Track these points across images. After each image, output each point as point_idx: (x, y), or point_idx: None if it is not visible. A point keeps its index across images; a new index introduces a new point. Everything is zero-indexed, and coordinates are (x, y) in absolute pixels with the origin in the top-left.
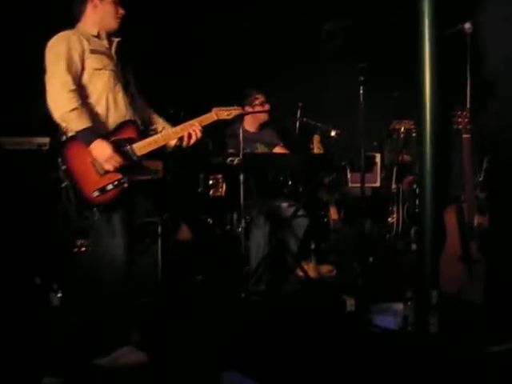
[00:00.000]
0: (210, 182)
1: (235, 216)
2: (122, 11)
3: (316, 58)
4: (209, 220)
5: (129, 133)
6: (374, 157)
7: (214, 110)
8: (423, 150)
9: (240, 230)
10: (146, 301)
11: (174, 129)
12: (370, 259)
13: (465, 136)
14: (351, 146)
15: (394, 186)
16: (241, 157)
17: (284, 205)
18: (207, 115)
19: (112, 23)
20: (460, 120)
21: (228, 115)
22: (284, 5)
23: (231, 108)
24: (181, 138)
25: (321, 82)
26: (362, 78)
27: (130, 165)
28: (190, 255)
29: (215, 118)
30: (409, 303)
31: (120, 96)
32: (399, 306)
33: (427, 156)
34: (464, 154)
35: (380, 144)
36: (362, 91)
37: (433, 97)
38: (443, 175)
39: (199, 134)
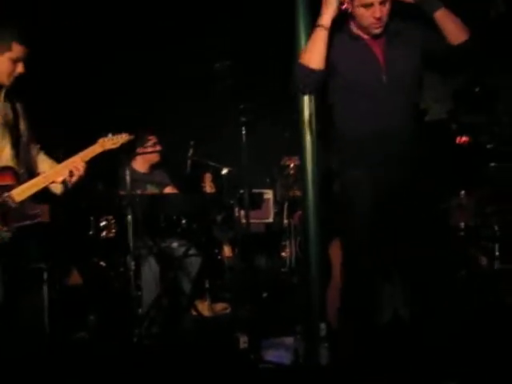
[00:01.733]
0: (102, 223)
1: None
2: (20, 70)
3: (209, 95)
4: (101, 263)
5: (6, 179)
6: (261, 194)
7: (100, 140)
8: (305, 186)
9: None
10: (30, 349)
11: (55, 168)
12: (264, 295)
13: None
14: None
15: (285, 220)
16: (130, 198)
17: (175, 244)
18: (91, 148)
19: (4, 80)
20: None
21: (115, 144)
22: (178, 42)
23: (118, 136)
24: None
25: (214, 120)
26: (243, 119)
27: (7, 212)
28: (80, 301)
29: (101, 149)
30: (299, 337)
31: (7, 149)
32: (290, 340)
33: (309, 192)
34: None
35: (272, 180)
36: (244, 131)
37: (313, 134)
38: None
39: (82, 171)
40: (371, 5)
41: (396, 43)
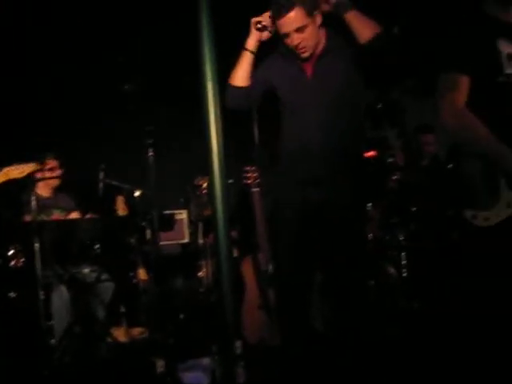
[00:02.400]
0: (10, 252)
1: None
2: None
3: (118, 118)
4: (11, 294)
5: None
6: (173, 214)
7: (5, 169)
8: (214, 204)
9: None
10: None
11: None
12: (181, 316)
13: (254, 190)
14: (157, 206)
15: (201, 240)
16: (37, 224)
17: (86, 270)
18: None
19: None
20: (249, 175)
21: (21, 173)
22: (87, 64)
23: (24, 165)
24: None
25: (126, 141)
26: (149, 141)
27: None
28: None
29: (4, 178)
30: (216, 357)
31: None
32: (208, 361)
33: (219, 210)
34: (255, 207)
35: (186, 200)
36: (150, 153)
37: (219, 153)
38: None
39: None
40: (287, 34)
41: (327, 60)
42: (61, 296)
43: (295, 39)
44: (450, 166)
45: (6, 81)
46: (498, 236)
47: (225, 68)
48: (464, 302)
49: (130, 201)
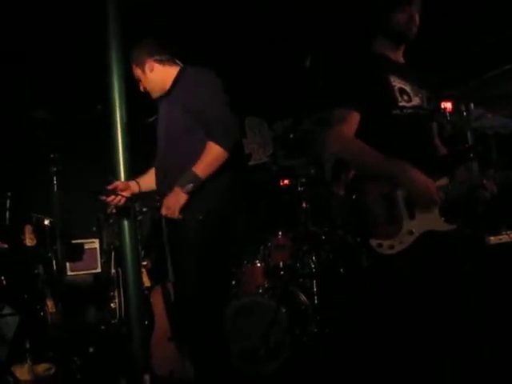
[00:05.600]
0: None
1: None
2: None
3: (27, 145)
4: None
5: None
6: (82, 244)
7: None
8: (122, 235)
9: None
10: None
11: None
12: (91, 350)
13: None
14: (65, 235)
15: (113, 270)
16: None
17: None
18: None
19: None
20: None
21: None
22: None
23: None
24: None
25: (34, 169)
26: (54, 169)
27: None
28: None
29: None
30: None
31: None
32: None
33: (126, 239)
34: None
35: (99, 228)
36: (55, 181)
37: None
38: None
39: None
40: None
41: (170, 103)
42: None
43: (141, 87)
44: (354, 196)
45: None
46: (403, 262)
47: (133, 96)
48: (377, 327)
49: (38, 230)
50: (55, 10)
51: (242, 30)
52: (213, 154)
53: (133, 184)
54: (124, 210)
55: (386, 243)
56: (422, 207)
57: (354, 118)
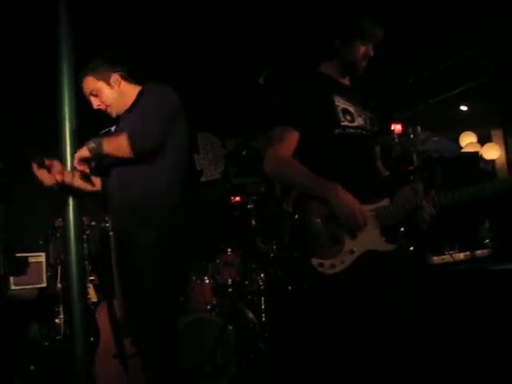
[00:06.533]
0: None
1: None
2: None
3: None
4: None
5: None
6: (26, 258)
7: None
8: (67, 248)
9: None
10: None
11: None
12: (32, 367)
13: (110, 233)
14: (8, 249)
15: (59, 284)
16: None
17: None
18: None
19: None
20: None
21: None
22: None
23: None
24: None
25: None
26: None
27: None
28: None
29: None
30: None
31: None
32: None
33: (72, 253)
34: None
35: (45, 242)
36: None
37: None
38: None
39: None
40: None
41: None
42: None
43: (94, 102)
44: (296, 216)
45: None
46: (344, 282)
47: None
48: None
49: None
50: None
51: (196, 45)
52: (120, 144)
53: (69, 173)
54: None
55: (327, 263)
56: (348, 229)
57: (293, 137)
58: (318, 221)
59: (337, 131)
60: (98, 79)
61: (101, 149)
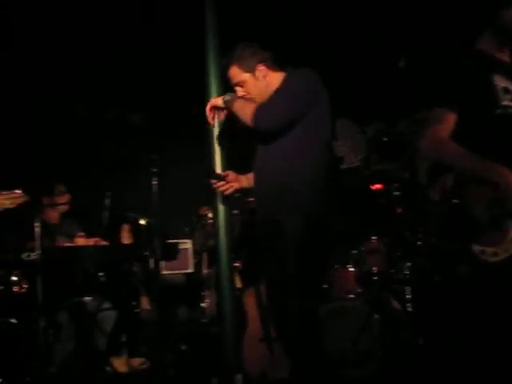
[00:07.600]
0: (13, 278)
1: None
2: None
3: (126, 147)
4: (12, 320)
5: None
6: (176, 244)
7: None
8: (218, 235)
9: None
10: None
11: None
12: (183, 347)
13: None
14: (161, 235)
15: (205, 270)
16: (39, 251)
17: (87, 299)
18: None
19: None
20: None
21: (12, 204)
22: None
23: (11, 194)
24: None
25: (132, 170)
26: (154, 170)
27: None
28: None
29: None
30: None
31: None
32: None
33: (221, 239)
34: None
35: (191, 230)
36: (154, 182)
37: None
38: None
39: None
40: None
41: None
42: (62, 324)
43: (239, 92)
44: (456, 200)
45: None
46: (507, 271)
47: None
48: (473, 341)
49: (135, 229)
50: (154, 11)
51: (334, 30)
52: (246, 109)
53: (242, 177)
54: (230, 201)
55: (489, 250)
56: None
57: (450, 118)
58: (480, 206)
59: (497, 112)
60: (244, 71)
61: (232, 104)
